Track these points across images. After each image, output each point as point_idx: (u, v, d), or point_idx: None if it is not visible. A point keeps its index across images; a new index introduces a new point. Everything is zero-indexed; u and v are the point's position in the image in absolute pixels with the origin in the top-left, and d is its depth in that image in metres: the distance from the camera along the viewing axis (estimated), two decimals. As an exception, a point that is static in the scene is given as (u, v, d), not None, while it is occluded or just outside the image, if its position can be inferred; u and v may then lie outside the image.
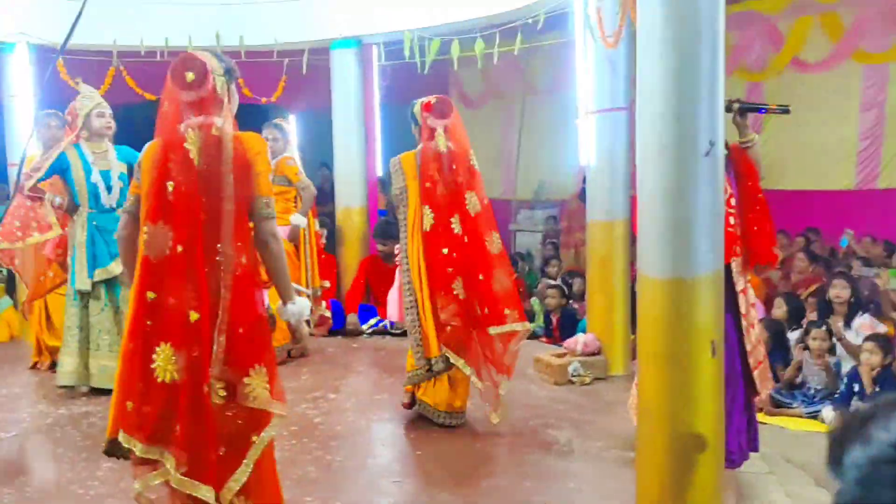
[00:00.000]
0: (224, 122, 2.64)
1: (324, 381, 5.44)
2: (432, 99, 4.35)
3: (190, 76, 2.61)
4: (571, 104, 8.60)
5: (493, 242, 4.33)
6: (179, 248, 2.56)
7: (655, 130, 3.12)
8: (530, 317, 7.48)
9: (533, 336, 7.10)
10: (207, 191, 2.58)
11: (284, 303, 2.79)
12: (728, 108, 3.46)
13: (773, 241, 3.60)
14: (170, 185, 2.58)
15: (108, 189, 5.00)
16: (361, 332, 6.68)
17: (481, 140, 10.22)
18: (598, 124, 5.46)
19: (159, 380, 2.56)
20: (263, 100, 7.55)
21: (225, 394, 2.55)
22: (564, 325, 6.91)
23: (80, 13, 2.17)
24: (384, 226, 7.01)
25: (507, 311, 4.26)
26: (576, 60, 5.75)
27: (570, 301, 7.21)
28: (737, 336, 3.49)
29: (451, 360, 4.20)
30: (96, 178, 4.97)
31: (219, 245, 2.57)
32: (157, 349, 2.56)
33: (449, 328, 4.19)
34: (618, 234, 5.48)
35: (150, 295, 2.59)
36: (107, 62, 7.23)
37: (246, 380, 2.55)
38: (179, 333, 2.56)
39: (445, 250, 4.22)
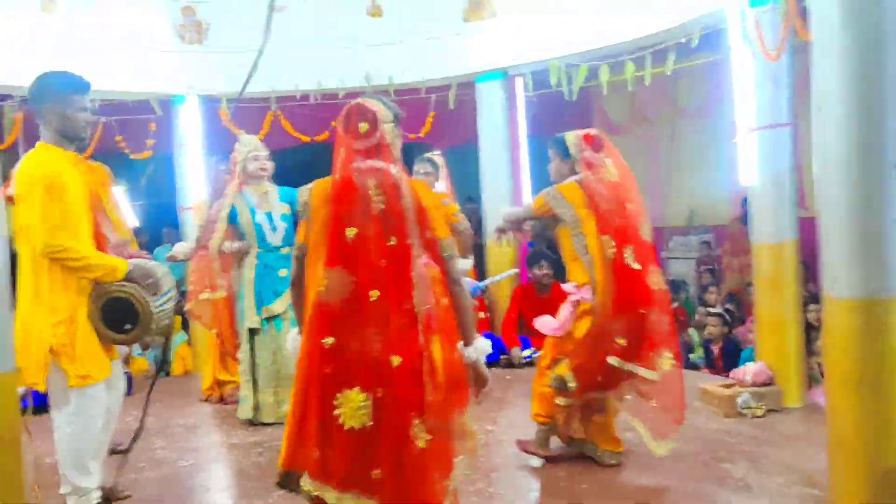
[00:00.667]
0: (399, 169, 2.71)
1: (480, 413, 5.37)
2: (591, 131, 4.22)
3: (364, 127, 2.69)
4: (724, 125, 8.30)
5: (657, 277, 4.14)
6: (373, 294, 2.57)
7: (836, 141, 2.93)
8: (689, 348, 7.20)
9: (693, 366, 6.83)
10: (387, 236, 2.62)
11: (466, 344, 2.78)
12: None
13: None
14: (350, 231, 2.61)
15: (273, 229, 5.21)
16: (524, 365, 6.63)
17: (629, 167, 10.01)
18: (761, 142, 5.19)
19: (346, 426, 2.54)
20: (412, 136, 7.70)
21: (430, 437, 2.55)
22: (727, 354, 6.57)
23: (254, 65, 2.26)
24: (536, 253, 7.03)
25: (651, 354, 4.03)
26: (732, 77, 5.51)
27: (732, 329, 6.86)
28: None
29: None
30: (261, 219, 5.20)
31: (409, 289, 2.59)
32: (340, 395, 2.55)
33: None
34: (786, 256, 5.17)
35: (328, 340, 2.58)
36: (265, 108, 7.62)
37: (460, 418, 2.62)
38: (370, 377, 2.55)
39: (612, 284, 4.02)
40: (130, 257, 3.57)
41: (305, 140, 7.73)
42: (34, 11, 6.70)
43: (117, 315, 3.33)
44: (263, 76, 7.17)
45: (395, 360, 2.54)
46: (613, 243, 4.00)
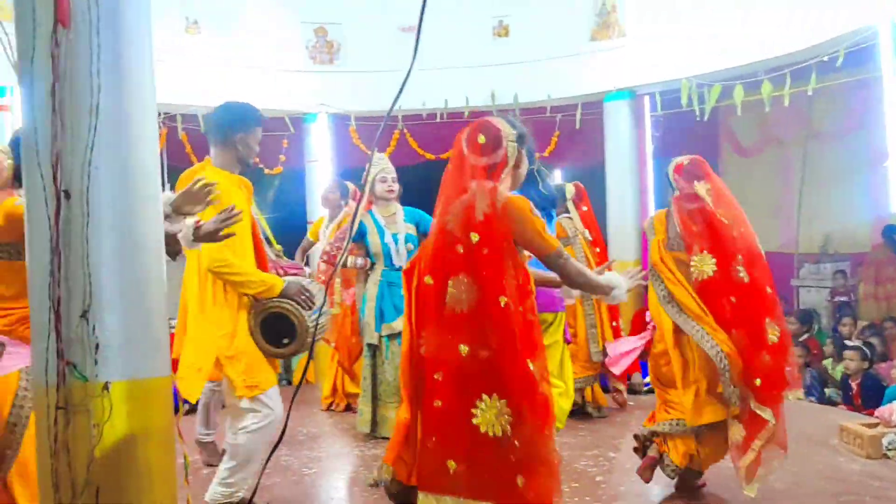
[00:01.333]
0: (502, 185, 2.71)
1: (601, 438, 5.28)
2: (684, 160, 4.04)
3: (484, 142, 2.72)
4: (863, 148, 7.90)
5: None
6: (502, 300, 2.59)
7: None
8: (823, 382, 6.83)
9: (829, 402, 6.47)
10: (492, 248, 2.65)
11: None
12: None
13: None
14: (474, 236, 2.64)
15: (398, 251, 5.29)
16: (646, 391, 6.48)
17: (757, 190, 9.66)
18: (913, 165, 4.90)
19: (491, 433, 2.55)
20: (537, 155, 7.69)
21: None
22: (867, 391, 6.18)
23: (402, 85, 2.30)
24: None
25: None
26: (881, 97, 5.23)
27: (873, 364, 6.46)
28: None
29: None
30: (388, 239, 5.28)
31: (501, 297, 2.59)
32: (479, 403, 2.57)
33: None
34: (940, 288, 4.83)
35: (464, 349, 2.60)
36: (392, 126, 7.78)
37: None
38: (508, 386, 2.56)
39: (734, 298, 3.82)
40: (286, 269, 3.69)
41: (430, 157, 7.84)
42: (178, 33, 7.11)
43: (276, 330, 3.45)
44: (391, 94, 7.39)
45: (532, 366, 2.56)
46: (714, 260, 3.82)
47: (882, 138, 5.14)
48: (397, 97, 2.38)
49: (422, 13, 2.34)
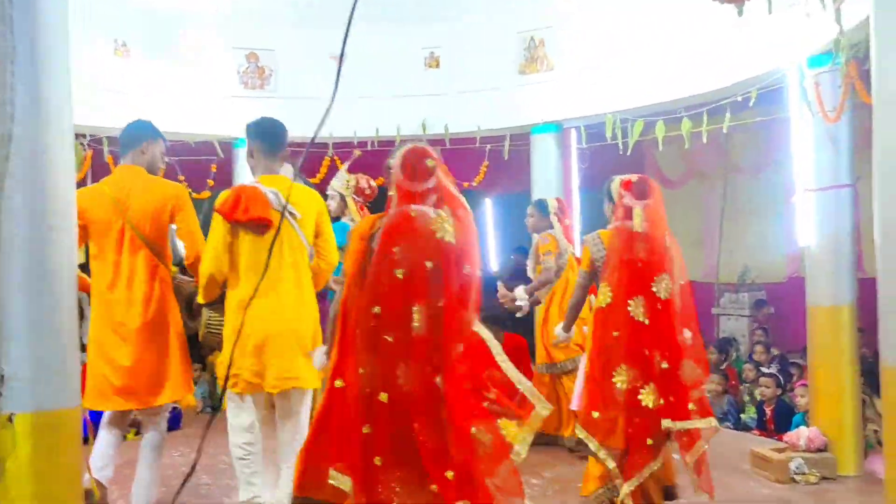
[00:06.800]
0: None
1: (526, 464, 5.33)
2: (633, 178, 4.08)
3: (430, 163, 2.80)
4: (779, 183, 8.22)
5: (688, 334, 3.95)
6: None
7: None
8: (740, 408, 7.05)
9: (744, 427, 6.68)
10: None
11: None
12: None
13: None
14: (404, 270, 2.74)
15: None
16: None
17: (681, 221, 9.91)
18: (819, 203, 5.13)
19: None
20: (465, 184, 7.78)
21: None
22: (779, 416, 6.42)
23: (325, 113, 2.35)
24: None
25: (691, 406, 3.82)
26: (791, 137, 5.49)
27: (786, 390, 6.71)
28: None
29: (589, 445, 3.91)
30: None
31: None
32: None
33: (596, 415, 3.89)
34: (844, 320, 5.06)
35: (361, 371, 2.73)
36: (322, 153, 7.79)
37: None
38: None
39: (616, 333, 3.89)
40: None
41: (360, 184, 7.85)
42: (107, 55, 7.00)
43: None
44: (325, 123, 7.40)
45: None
46: (611, 294, 3.90)
47: (801, 174, 5.36)
48: (320, 125, 2.41)
49: (344, 43, 2.38)
